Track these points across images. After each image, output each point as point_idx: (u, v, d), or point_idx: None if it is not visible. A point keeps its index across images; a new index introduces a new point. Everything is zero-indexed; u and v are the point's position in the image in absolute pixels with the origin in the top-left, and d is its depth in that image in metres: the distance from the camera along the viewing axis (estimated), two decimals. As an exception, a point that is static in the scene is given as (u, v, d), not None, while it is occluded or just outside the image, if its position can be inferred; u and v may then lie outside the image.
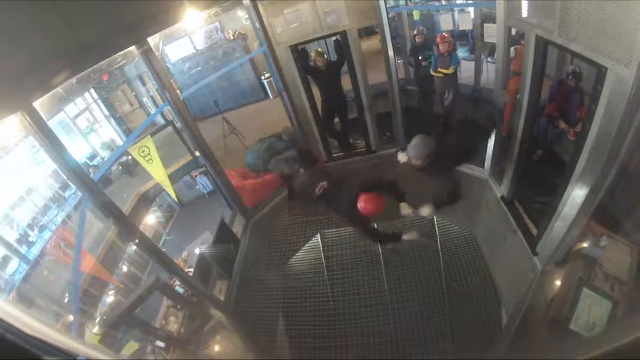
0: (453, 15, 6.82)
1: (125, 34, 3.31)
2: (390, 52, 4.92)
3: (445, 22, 6.68)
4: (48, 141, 2.70)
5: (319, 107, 5.38)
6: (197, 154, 5.92)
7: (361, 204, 3.08)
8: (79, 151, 7.90)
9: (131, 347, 3.63)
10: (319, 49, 5.22)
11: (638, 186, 2.67)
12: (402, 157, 3.46)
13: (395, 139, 5.73)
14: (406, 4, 7.91)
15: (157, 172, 4.15)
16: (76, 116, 8.17)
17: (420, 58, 5.79)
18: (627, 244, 2.91)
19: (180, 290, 4.18)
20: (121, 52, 3.39)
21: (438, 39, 5.26)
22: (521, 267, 3.73)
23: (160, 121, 7.58)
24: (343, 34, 4.71)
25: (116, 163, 7.39)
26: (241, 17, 8.97)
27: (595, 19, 2.14)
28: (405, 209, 3.37)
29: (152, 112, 8.93)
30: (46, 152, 2.82)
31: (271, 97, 9.54)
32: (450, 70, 5.27)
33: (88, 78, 7.17)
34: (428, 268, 5.07)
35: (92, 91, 8.43)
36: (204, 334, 3.98)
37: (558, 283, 3.21)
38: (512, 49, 4.04)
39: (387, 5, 4.60)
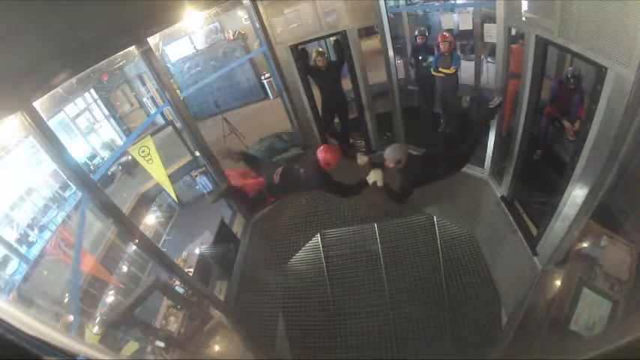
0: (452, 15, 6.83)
1: (125, 34, 3.31)
2: (390, 52, 4.92)
3: (445, 22, 6.69)
4: (48, 141, 2.70)
5: (319, 107, 5.38)
6: (197, 154, 5.93)
7: (321, 154, 3.55)
8: (79, 151, 7.90)
9: (131, 347, 3.63)
10: (320, 49, 5.22)
11: (638, 186, 2.66)
12: (360, 159, 3.84)
13: (395, 139, 5.73)
14: (406, 5, 7.91)
15: (157, 172, 4.15)
16: (76, 116, 8.17)
17: (420, 58, 5.80)
18: (627, 244, 2.90)
19: (180, 290, 4.17)
20: (121, 52, 3.39)
21: (439, 38, 5.25)
22: (521, 267, 3.73)
23: (160, 121, 7.59)
24: (343, 34, 4.70)
25: (116, 163, 7.40)
26: (241, 17, 8.97)
27: (595, 19, 2.14)
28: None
29: (152, 112, 8.93)
30: (46, 152, 2.81)
31: (271, 97, 9.54)
32: (452, 70, 5.27)
33: (88, 78, 7.16)
34: (428, 268, 5.07)
35: (92, 91, 8.43)
36: (204, 334, 3.98)
37: (558, 283, 3.21)
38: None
39: (387, 5, 4.60)
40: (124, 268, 6.01)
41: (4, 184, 5.94)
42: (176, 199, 6.43)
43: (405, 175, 3.59)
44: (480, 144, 4.37)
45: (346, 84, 5.35)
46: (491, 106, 3.83)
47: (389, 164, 3.53)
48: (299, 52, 4.87)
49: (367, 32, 8.82)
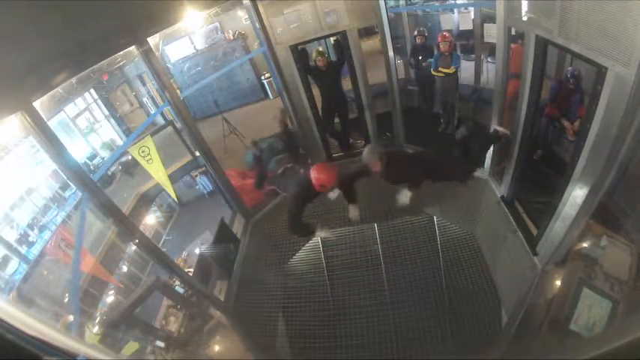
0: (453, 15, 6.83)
1: (125, 34, 3.31)
2: (390, 52, 4.92)
3: (445, 22, 6.69)
4: (48, 141, 2.70)
5: (319, 107, 5.38)
6: (197, 154, 5.93)
7: (314, 174, 3.11)
8: (79, 151, 7.91)
9: (131, 347, 3.63)
10: (320, 49, 5.22)
11: (638, 186, 2.66)
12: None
13: (395, 139, 5.73)
14: (406, 5, 7.91)
15: (157, 172, 4.15)
16: (76, 116, 8.18)
17: (420, 58, 5.80)
18: (627, 244, 2.91)
19: (180, 290, 4.17)
20: (121, 52, 3.39)
21: (439, 38, 5.26)
22: (521, 267, 3.73)
23: (160, 121, 7.59)
24: (343, 34, 4.70)
25: (116, 163, 7.40)
26: (241, 17, 8.98)
27: (595, 19, 2.14)
28: (353, 211, 3.63)
29: (152, 112, 8.93)
30: (46, 152, 2.82)
31: (271, 97, 9.54)
32: (451, 70, 5.28)
33: (88, 78, 7.18)
34: (428, 268, 5.07)
35: (92, 91, 8.44)
36: (204, 334, 3.98)
37: (558, 283, 3.21)
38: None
39: (387, 5, 4.60)
40: (124, 268, 6.02)
41: (4, 184, 5.94)
42: (176, 199, 6.44)
43: (405, 168, 3.55)
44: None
45: (346, 84, 5.35)
46: (499, 130, 3.88)
47: (375, 168, 3.35)
48: (299, 52, 4.87)
49: (367, 32, 8.81)
